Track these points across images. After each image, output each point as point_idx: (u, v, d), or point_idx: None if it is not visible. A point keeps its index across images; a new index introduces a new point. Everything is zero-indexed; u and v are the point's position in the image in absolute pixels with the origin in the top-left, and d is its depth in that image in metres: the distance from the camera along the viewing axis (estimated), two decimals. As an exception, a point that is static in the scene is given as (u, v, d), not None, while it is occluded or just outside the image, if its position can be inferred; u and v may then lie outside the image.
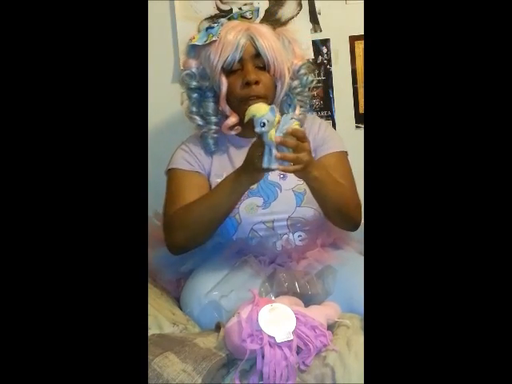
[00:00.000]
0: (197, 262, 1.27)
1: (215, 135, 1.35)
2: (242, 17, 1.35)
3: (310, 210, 1.29)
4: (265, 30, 1.32)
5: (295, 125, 1.08)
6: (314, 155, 1.34)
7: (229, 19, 1.34)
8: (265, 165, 1.07)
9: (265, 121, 1.05)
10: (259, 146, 1.07)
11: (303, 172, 1.12)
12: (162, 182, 1.39)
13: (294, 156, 1.07)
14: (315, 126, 1.40)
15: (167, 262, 1.30)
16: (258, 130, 1.05)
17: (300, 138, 1.07)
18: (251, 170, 1.12)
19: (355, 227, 1.29)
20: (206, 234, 1.25)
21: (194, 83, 1.35)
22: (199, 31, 1.41)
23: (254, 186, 1.29)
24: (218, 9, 1.68)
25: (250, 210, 1.28)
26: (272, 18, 1.61)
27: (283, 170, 1.11)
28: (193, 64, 1.35)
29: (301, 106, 1.38)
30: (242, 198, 1.28)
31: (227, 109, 1.32)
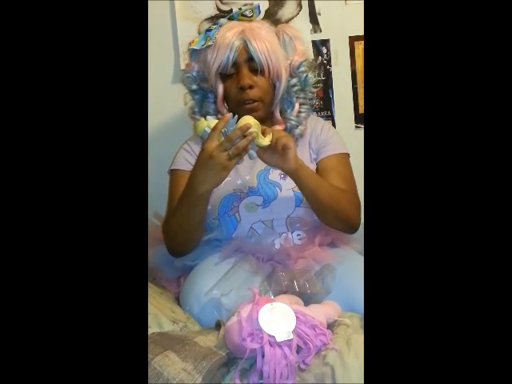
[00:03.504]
0: (194, 258, 1.28)
1: None
2: (243, 15, 1.35)
3: (309, 210, 1.29)
4: (262, 30, 1.31)
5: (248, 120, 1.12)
6: (315, 156, 1.36)
7: (229, 19, 1.35)
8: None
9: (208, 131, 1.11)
10: (217, 141, 1.08)
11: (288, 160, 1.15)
12: (162, 182, 1.40)
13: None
14: (318, 128, 1.40)
15: (167, 260, 1.31)
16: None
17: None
18: (217, 169, 1.09)
19: (352, 229, 1.29)
20: (193, 239, 1.26)
21: (194, 86, 1.38)
22: (199, 33, 1.42)
23: (254, 185, 1.30)
24: (218, 9, 1.69)
25: (250, 209, 1.29)
26: (272, 19, 1.62)
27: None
28: (195, 67, 1.37)
29: (302, 104, 1.38)
30: (242, 196, 1.30)
31: (225, 111, 1.35)
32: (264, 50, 1.29)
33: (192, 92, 1.39)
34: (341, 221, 1.26)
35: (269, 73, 1.30)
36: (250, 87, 1.28)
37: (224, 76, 1.31)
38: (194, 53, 1.37)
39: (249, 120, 1.10)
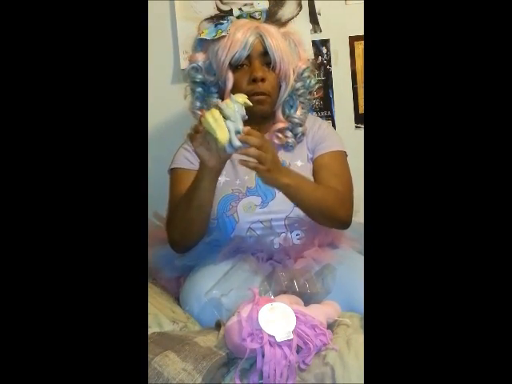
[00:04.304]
0: (193, 258, 1.28)
1: None
2: (251, 17, 1.36)
3: (308, 210, 1.29)
4: (273, 30, 1.33)
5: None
6: (311, 155, 1.36)
7: (237, 17, 1.36)
8: (235, 144, 1.05)
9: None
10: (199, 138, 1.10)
11: (270, 178, 1.13)
12: (162, 182, 1.39)
13: (256, 152, 1.08)
14: (315, 126, 1.41)
15: (167, 260, 1.31)
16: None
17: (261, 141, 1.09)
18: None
19: (344, 226, 1.29)
20: (196, 231, 1.26)
21: (199, 77, 1.36)
22: (199, 30, 1.41)
23: (253, 185, 1.30)
24: (218, 9, 1.68)
25: (248, 210, 1.29)
26: (272, 19, 1.61)
27: (246, 165, 1.11)
28: (199, 58, 1.36)
29: (302, 108, 1.39)
30: (241, 196, 1.30)
31: None
32: (278, 46, 1.31)
33: (194, 84, 1.38)
34: (329, 219, 1.26)
35: (279, 70, 1.31)
36: (262, 80, 1.29)
37: (234, 68, 1.31)
38: (200, 44, 1.36)
39: (226, 101, 1.08)
